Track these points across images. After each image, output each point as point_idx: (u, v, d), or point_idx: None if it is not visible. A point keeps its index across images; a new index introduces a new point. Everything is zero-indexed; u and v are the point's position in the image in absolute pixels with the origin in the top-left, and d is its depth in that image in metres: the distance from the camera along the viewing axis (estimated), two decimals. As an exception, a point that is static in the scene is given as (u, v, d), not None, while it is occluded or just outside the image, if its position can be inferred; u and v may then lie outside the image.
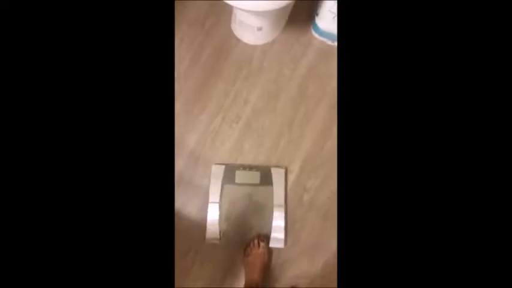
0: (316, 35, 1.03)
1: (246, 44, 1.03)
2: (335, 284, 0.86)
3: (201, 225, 0.89)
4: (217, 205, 0.88)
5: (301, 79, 1.00)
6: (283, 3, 0.72)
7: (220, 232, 0.87)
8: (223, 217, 0.88)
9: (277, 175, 0.90)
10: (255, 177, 0.90)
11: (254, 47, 1.03)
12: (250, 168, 0.91)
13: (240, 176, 0.90)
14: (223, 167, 0.91)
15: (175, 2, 1.05)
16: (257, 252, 0.83)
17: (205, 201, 0.90)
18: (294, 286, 0.86)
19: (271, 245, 0.87)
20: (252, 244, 0.85)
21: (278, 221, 0.88)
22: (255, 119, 0.98)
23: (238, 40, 1.04)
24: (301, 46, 1.03)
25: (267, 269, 0.85)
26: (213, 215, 0.88)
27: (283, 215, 0.88)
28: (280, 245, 0.87)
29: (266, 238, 0.87)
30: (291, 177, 0.93)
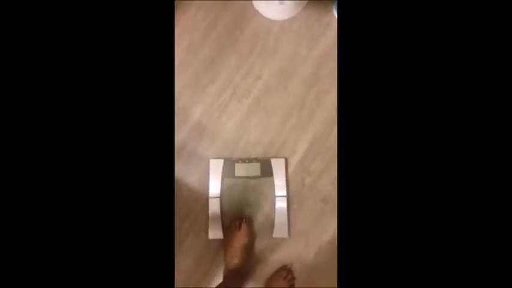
0: (337, 16, 0.98)
1: (264, 18, 0.99)
2: (326, 270, 0.86)
3: (201, 199, 0.89)
4: (218, 200, 0.86)
5: (317, 60, 0.97)
6: None
7: (223, 227, 0.85)
8: (225, 212, 0.87)
9: (278, 166, 0.88)
10: (255, 169, 0.87)
11: (273, 22, 0.99)
12: (250, 160, 0.88)
13: (240, 169, 0.88)
14: (222, 161, 0.88)
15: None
16: (238, 233, 0.82)
17: (206, 174, 0.89)
18: (284, 265, 0.86)
19: (275, 235, 0.85)
20: (232, 225, 0.84)
21: (280, 211, 0.86)
22: (265, 96, 0.95)
23: (257, 13, 0.99)
24: (321, 26, 0.99)
25: (248, 252, 0.83)
26: (214, 210, 0.86)
27: (285, 205, 0.87)
28: (284, 234, 0.86)
29: (249, 220, 0.86)
30: (295, 159, 0.91)
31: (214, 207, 0.86)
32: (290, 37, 0.99)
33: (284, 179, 0.88)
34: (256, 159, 0.89)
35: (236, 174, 0.88)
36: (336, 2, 0.96)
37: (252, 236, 0.85)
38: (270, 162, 0.89)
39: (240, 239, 0.81)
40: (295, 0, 0.94)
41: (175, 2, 0.98)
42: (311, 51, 0.97)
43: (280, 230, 0.86)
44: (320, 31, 0.99)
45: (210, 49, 0.97)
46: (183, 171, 0.91)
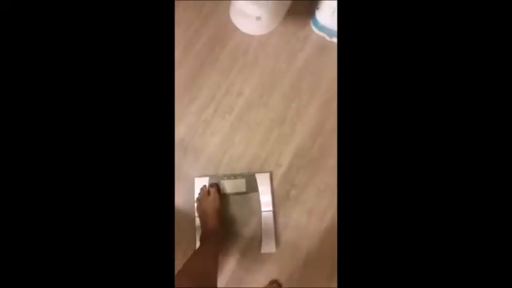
0: (315, 30, 1.01)
1: (243, 34, 1.01)
2: (315, 280, 0.87)
3: (186, 218, 0.89)
4: None
5: (296, 74, 0.99)
6: None
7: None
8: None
9: (263, 180, 0.90)
10: (240, 185, 0.89)
11: (251, 37, 1.01)
12: (235, 176, 0.89)
13: (226, 186, 0.89)
14: (207, 178, 0.89)
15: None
16: (208, 199, 0.84)
17: (191, 194, 0.90)
18: (274, 280, 0.87)
19: (263, 251, 0.86)
20: (202, 193, 0.86)
21: (267, 226, 0.88)
22: (247, 111, 0.96)
23: (236, 29, 1.01)
24: (299, 40, 1.01)
25: (220, 214, 0.85)
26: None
27: (271, 220, 0.88)
28: (272, 249, 0.87)
29: (214, 185, 0.87)
30: (280, 172, 0.93)
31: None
32: (269, 52, 1.01)
33: (270, 193, 0.90)
34: (241, 175, 0.90)
35: (222, 192, 0.89)
36: (313, 17, 0.99)
37: (220, 198, 0.87)
38: (255, 177, 0.90)
39: (210, 203, 0.83)
40: (272, 16, 0.96)
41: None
42: (290, 66, 1.00)
43: (268, 246, 0.87)
44: (298, 45, 1.01)
45: (190, 66, 0.98)
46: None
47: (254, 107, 0.97)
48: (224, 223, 0.87)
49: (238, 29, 1.01)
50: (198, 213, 0.85)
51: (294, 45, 1.01)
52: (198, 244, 0.85)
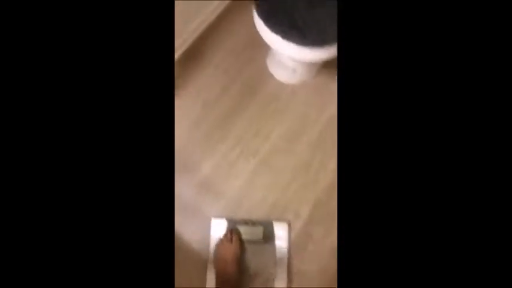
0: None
1: (277, 81, 1.06)
2: None
3: (199, 257, 0.88)
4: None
5: (324, 126, 1.01)
6: (325, 56, 0.73)
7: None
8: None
9: (281, 230, 0.88)
10: (258, 232, 0.87)
11: (285, 85, 1.05)
12: (253, 223, 0.88)
13: (243, 232, 0.87)
14: (224, 221, 0.89)
15: (219, 27, 1.10)
16: (230, 246, 0.82)
17: (207, 233, 0.90)
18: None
19: None
20: (224, 239, 0.83)
21: (280, 280, 0.85)
22: (272, 156, 0.98)
23: (271, 76, 1.06)
24: (329, 93, 1.04)
25: (239, 262, 0.82)
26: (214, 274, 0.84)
27: (285, 274, 0.85)
28: None
29: (236, 231, 0.86)
30: (298, 222, 0.91)
31: (213, 269, 0.85)
32: (300, 101, 1.04)
33: (286, 245, 0.88)
34: (259, 222, 0.89)
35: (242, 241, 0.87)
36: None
37: (242, 246, 0.85)
38: (273, 226, 0.89)
39: (232, 250, 0.81)
40: (307, 70, 1.01)
41: (191, 61, 1.06)
42: (319, 116, 1.02)
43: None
44: (328, 97, 1.04)
45: (224, 108, 1.03)
46: (185, 228, 0.91)
47: (279, 153, 0.98)
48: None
49: (273, 76, 1.06)
50: (216, 257, 0.84)
51: (324, 97, 1.04)
52: (208, 285, 0.84)
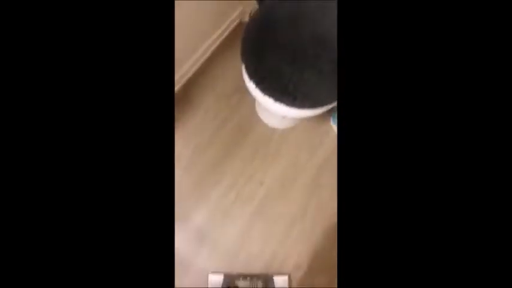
0: (334, 127, 1.07)
1: (266, 125, 1.07)
2: None
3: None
4: None
5: (317, 168, 1.02)
6: (316, 114, 0.75)
7: None
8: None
9: (281, 284, 0.85)
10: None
11: (274, 129, 1.06)
12: (251, 277, 0.85)
13: (242, 287, 0.84)
14: (222, 276, 0.85)
15: (208, 72, 1.10)
16: None
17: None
18: None
19: None
20: None
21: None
22: (267, 203, 0.96)
23: (260, 120, 1.07)
24: (319, 135, 1.07)
25: None
26: None
27: None
28: None
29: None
30: (298, 274, 0.88)
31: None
32: (290, 144, 1.05)
33: (287, 297, 0.84)
34: (258, 276, 0.85)
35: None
36: (334, 113, 1.06)
37: None
38: (273, 280, 0.84)
39: None
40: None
41: (181, 106, 1.05)
42: (311, 159, 1.03)
43: None
44: (318, 139, 1.06)
45: (215, 153, 1.01)
46: (181, 282, 0.84)
47: (274, 199, 0.96)
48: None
49: (262, 121, 1.07)
50: None
51: (314, 140, 1.06)
52: None
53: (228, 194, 0.96)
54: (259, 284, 0.83)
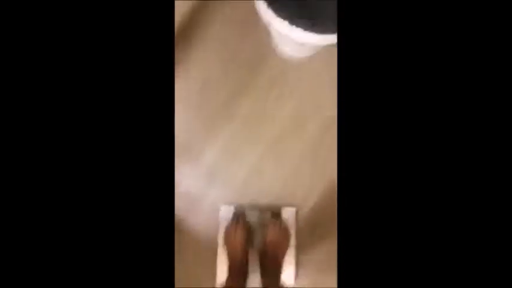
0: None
1: (282, 54, 0.95)
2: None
3: (209, 247, 0.89)
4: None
5: (335, 106, 0.93)
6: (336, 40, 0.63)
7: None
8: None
9: (289, 216, 0.88)
10: (266, 218, 0.87)
11: (292, 59, 0.95)
12: (261, 208, 0.88)
13: (251, 218, 0.87)
14: (233, 208, 0.88)
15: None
16: (237, 230, 0.82)
17: (214, 221, 0.90)
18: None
19: (281, 284, 0.85)
20: (232, 223, 0.84)
21: (288, 265, 0.86)
22: (281, 140, 0.93)
23: (276, 48, 0.95)
24: (342, 66, 0.94)
25: (247, 246, 0.84)
26: (224, 261, 0.86)
27: (293, 258, 0.87)
28: (290, 283, 0.86)
29: (242, 215, 0.86)
30: (306, 207, 0.90)
31: (223, 256, 0.87)
32: (309, 78, 0.94)
33: (294, 229, 0.88)
34: (268, 207, 0.88)
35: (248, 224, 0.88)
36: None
37: (249, 229, 0.86)
38: (281, 212, 0.88)
39: (239, 234, 0.82)
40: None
41: (187, 34, 0.95)
42: (330, 95, 0.93)
43: (286, 280, 0.87)
44: (341, 72, 0.94)
45: (225, 90, 0.95)
46: (194, 217, 0.91)
47: (288, 137, 0.92)
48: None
49: (278, 51, 0.95)
50: (225, 243, 0.85)
51: (335, 73, 0.93)
52: (218, 276, 0.87)
53: (239, 132, 0.94)
54: (268, 214, 0.88)
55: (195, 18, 0.96)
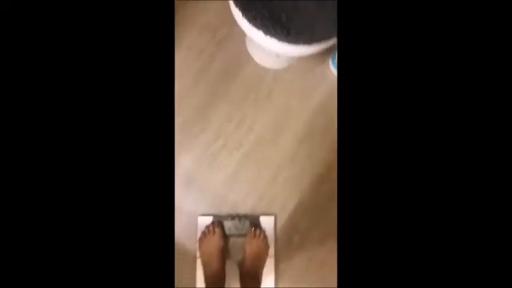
0: (332, 69, 0.98)
1: (258, 64, 0.97)
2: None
3: (187, 257, 0.87)
4: None
5: (310, 114, 0.96)
6: (312, 52, 0.66)
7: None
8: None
9: (267, 223, 0.88)
10: (244, 227, 0.87)
11: (267, 69, 0.97)
12: (239, 218, 0.87)
13: (229, 227, 0.87)
14: (211, 218, 0.87)
15: (187, 1, 0.95)
16: (213, 239, 0.82)
17: (193, 231, 0.87)
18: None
19: None
20: (206, 231, 0.83)
21: (268, 274, 0.86)
22: (256, 149, 0.93)
23: (251, 58, 0.97)
24: (315, 78, 0.98)
25: (224, 254, 0.83)
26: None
27: (272, 267, 0.87)
28: None
29: (219, 223, 0.86)
30: (284, 215, 0.91)
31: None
32: (284, 87, 0.97)
33: (273, 237, 0.88)
34: (246, 216, 0.88)
35: (226, 233, 0.87)
36: (333, 54, 0.96)
37: (225, 237, 0.85)
38: (259, 220, 0.88)
39: (215, 242, 0.81)
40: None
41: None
42: (304, 104, 0.97)
43: (266, 290, 0.87)
44: (314, 82, 0.98)
45: (201, 95, 0.94)
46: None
47: (264, 145, 0.94)
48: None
49: (253, 59, 0.97)
50: (201, 253, 0.83)
51: (309, 83, 0.98)
52: (198, 284, 0.84)
53: (216, 140, 0.93)
54: (247, 223, 0.88)
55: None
